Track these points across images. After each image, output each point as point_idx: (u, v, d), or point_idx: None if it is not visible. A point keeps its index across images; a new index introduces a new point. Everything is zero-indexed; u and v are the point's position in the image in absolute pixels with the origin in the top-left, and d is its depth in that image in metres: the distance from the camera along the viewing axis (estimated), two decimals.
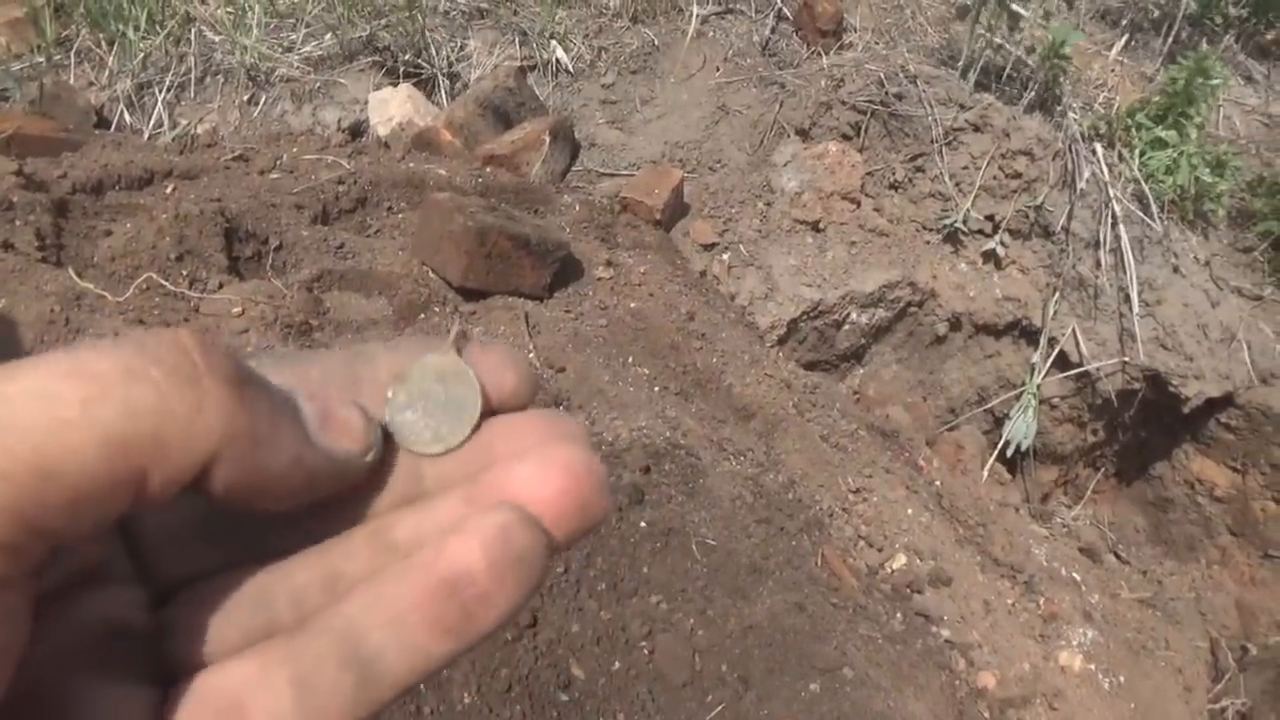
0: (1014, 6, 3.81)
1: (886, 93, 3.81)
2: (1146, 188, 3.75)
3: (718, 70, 4.02)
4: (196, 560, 0.33)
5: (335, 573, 0.32)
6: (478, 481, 0.33)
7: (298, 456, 0.31)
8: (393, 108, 3.54)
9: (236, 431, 0.29)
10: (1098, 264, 3.77)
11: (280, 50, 3.66)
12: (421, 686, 1.62)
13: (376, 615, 0.29)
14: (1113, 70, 4.43)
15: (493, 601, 0.30)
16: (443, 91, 3.78)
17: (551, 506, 0.32)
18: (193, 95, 3.53)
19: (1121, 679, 3.03)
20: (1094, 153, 3.80)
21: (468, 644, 0.30)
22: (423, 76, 3.79)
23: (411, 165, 3.19)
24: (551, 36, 3.98)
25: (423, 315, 2.62)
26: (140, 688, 0.30)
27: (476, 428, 0.35)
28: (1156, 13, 4.79)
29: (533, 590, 0.31)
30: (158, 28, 3.57)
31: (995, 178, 3.81)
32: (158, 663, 0.31)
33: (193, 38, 3.58)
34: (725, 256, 3.53)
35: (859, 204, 3.75)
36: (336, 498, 0.33)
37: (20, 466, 0.26)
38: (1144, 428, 4.02)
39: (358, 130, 3.56)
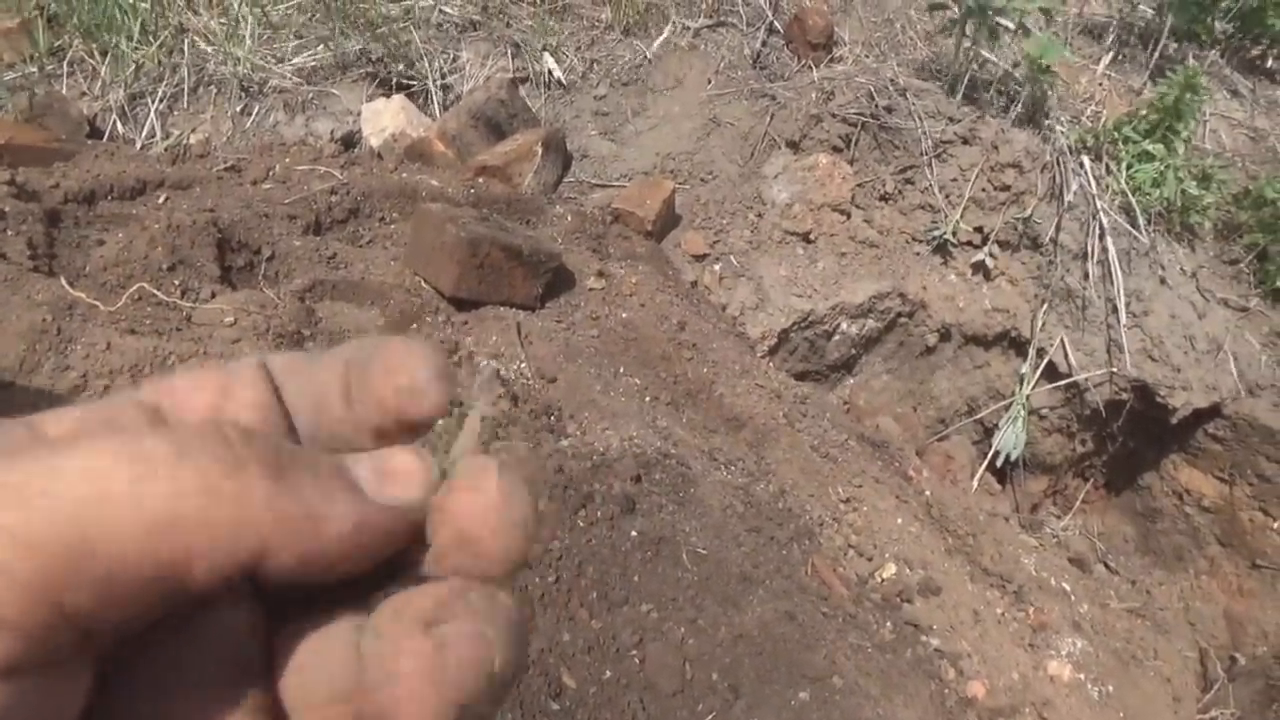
0: (999, 20, 3.84)
1: (876, 106, 3.84)
2: (1134, 200, 3.79)
3: (709, 83, 4.04)
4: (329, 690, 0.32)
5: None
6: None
7: (360, 521, 0.30)
8: (385, 119, 3.55)
9: (284, 517, 0.28)
10: (1085, 275, 3.80)
11: (273, 61, 3.67)
12: None
13: None
14: (1100, 84, 4.48)
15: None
16: (435, 103, 3.79)
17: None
18: (185, 106, 3.54)
19: (1111, 689, 3.04)
20: (1082, 165, 3.84)
21: None
22: (415, 88, 3.80)
23: (404, 176, 3.20)
24: (544, 48, 4.00)
25: (415, 325, 2.63)
26: (254, 712, 0.30)
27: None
28: (1144, 27, 4.84)
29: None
30: (151, 38, 3.58)
31: (984, 190, 3.84)
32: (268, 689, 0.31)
33: (185, 48, 3.59)
34: (716, 267, 3.55)
35: (849, 215, 3.78)
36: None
37: (56, 538, 0.25)
38: (1132, 438, 4.05)
39: (350, 141, 3.58)
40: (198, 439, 0.28)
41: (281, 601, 0.32)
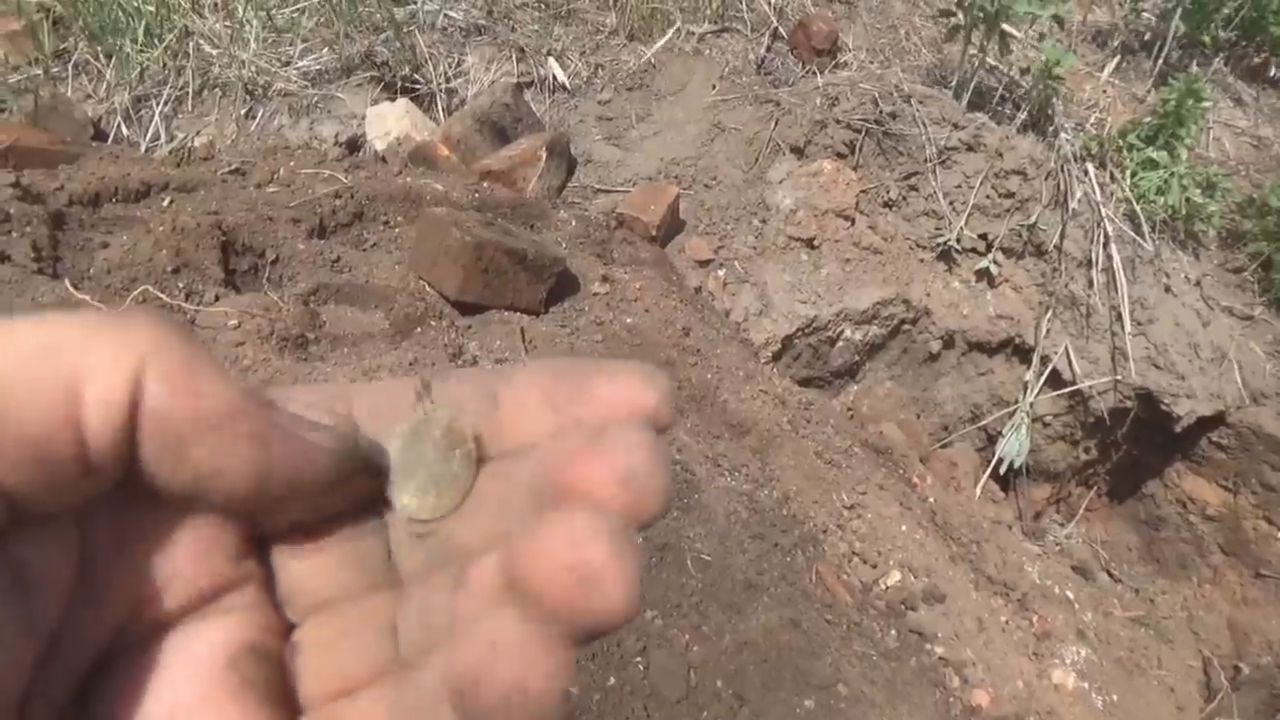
0: (1005, 27, 3.84)
1: (881, 112, 3.84)
2: (1138, 208, 3.79)
3: (713, 88, 4.04)
4: (329, 587, 0.32)
5: (434, 606, 0.31)
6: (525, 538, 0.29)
7: (235, 403, 0.29)
8: (390, 122, 3.55)
9: (164, 349, 0.27)
10: (1090, 283, 3.79)
11: (278, 64, 3.67)
12: None
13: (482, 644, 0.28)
14: (1104, 91, 4.48)
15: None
16: (440, 107, 3.79)
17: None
18: (190, 109, 3.54)
19: (1114, 698, 3.03)
20: (1086, 173, 3.83)
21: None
22: (420, 92, 3.80)
23: (408, 180, 3.20)
24: (549, 53, 4.00)
25: (419, 329, 2.62)
26: (275, 714, 0.30)
27: (470, 489, 0.33)
28: (1147, 35, 4.84)
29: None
30: (156, 41, 3.58)
31: (988, 197, 3.84)
32: (291, 689, 0.30)
33: (190, 51, 3.59)
34: (720, 273, 3.55)
35: (853, 222, 3.77)
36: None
37: None
38: (1136, 446, 4.04)
39: (355, 145, 3.57)
40: (90, 311, 0.28)
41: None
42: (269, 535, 0.32)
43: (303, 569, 0.32)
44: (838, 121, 3.84)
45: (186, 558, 0.30)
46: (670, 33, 4.15)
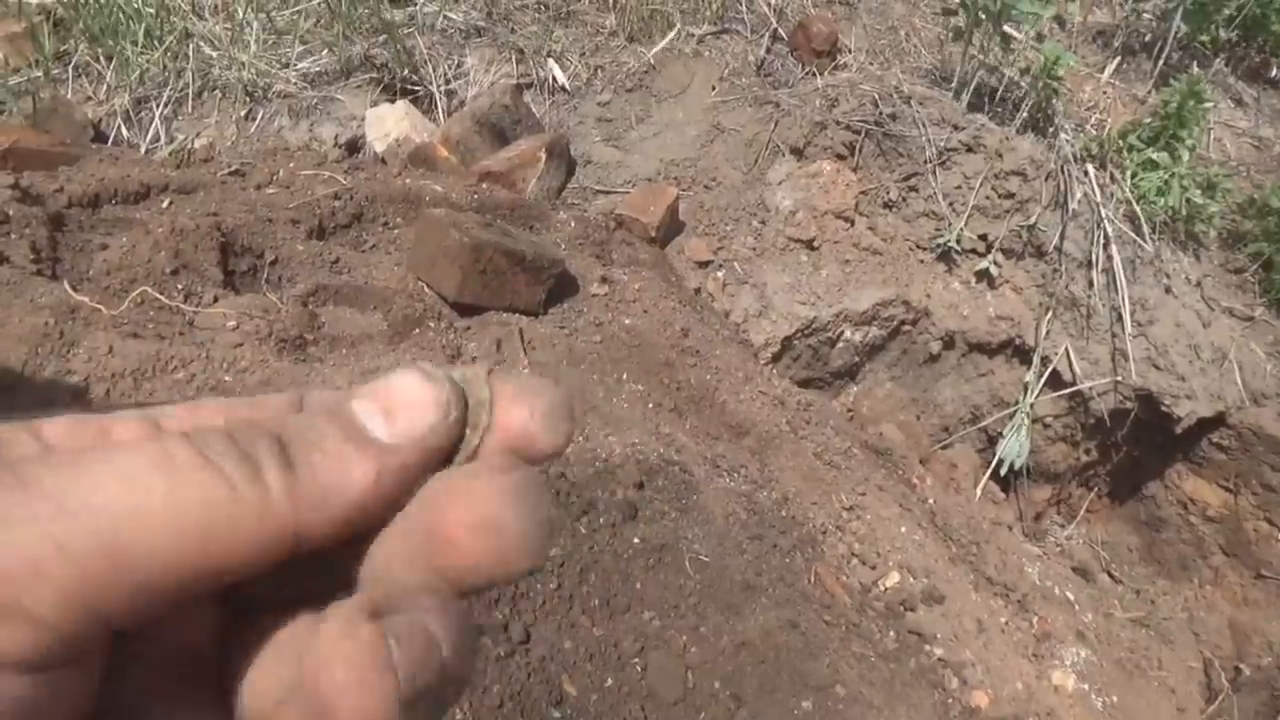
0: (1006, 28, 3.84)
1: (881, 113, 3.83)
2: (1138, 209, 3.78)
3: (713, 89, 4.04)
4: (270, 590, 0.33)
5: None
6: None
7: (380, 471, 0.31)
8: (389, 124, 3.56)
9: (307, 504, 0.30)
10: (1090, 284, 3.79)
11: (278, 66, 3.67)
12: None
13: None
14: (1104, 92, 4.47)
15: None
16: (439, 108, 3.80)
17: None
18: (190, 110, 3.54)
19: (1115, 699, 3.03)
20: (1086, 174, 3.83)
21: None
22: (419, 93, 3.81)
23: (408, 181, 3.20)
24: (548, 55, 4.00)
25: (417, 330, 2.62)
26: (210, 714, 0.31)
27: None
28: (1148, 36, 4.83)
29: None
30: (156, 43, 3.58)
31: (988, 198, 3.84)
32: (224, 693, 0.31)
33: (190, 53, 3.59)
34: (720, 274, 3.55)
35: (853, 223, 3.77)
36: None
37: (98, 551, 0.26)
38: (1136, 447, 4.03)
39: (354, 146, 3.58)
40: (216, 442, 0.29)
41: (247, 603, 0.33)
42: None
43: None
44: (837, 123, 3.84)
45: (181, 642, 0.32)
46: (671, 34, 4.15)
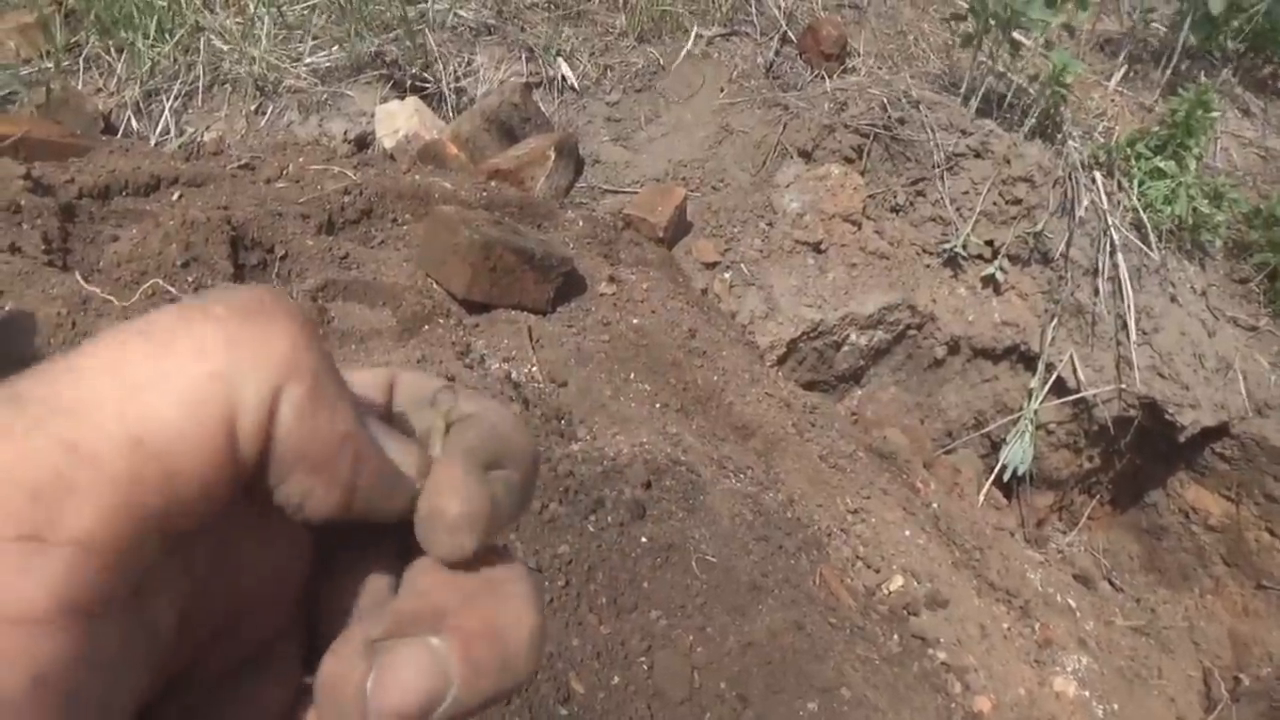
0: (1015, 35, 3.84)
1: (889, 117, 3.84)
2: (1145, 217, 3.79)
3: (722, 91, 4.05)
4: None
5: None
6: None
7: (348, 434, 0.29)
8: (399, 120, 3.56)
9: (300, 366, 0.28)
10: (1096, 291, 3.79)
11: (288, 61, 3.68)
12: None
13: None
14: (1112, 100, 4.48)
15: None
16: (449, 106, 3.80)
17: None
18: (200, 104, 3.55)
19: (1115, 706, 3.03)
20: (1093, 181, 3.83)
21: None
22: (429, 90, 3.81)
23: (417, 178, 3.20)
24: (558, 54, 4.01)
25: (426, 327, 2.62)
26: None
27: None
28: (1156, 44, 4.84)
29: None
30: (167, 36, 3.59)
31: (995, 203, 3.84)
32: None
33: (201, 47, 3.60)
34: (727, 275, 3.55)
35: (860, 226, 3.77)
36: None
37: (111, 441, 0.24)
38: (1139, 455, 4.04)
39: (364, 142, 3.58)
40: (219, 295, 0.28)
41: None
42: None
43: (340, 606, 0.34)
44: (846, 126, 3.84)
45: (262, 591, 0.32)
46: (690, 39, 4.15)
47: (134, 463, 0.24)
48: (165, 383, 0.25)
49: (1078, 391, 3.83)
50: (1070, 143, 3.90)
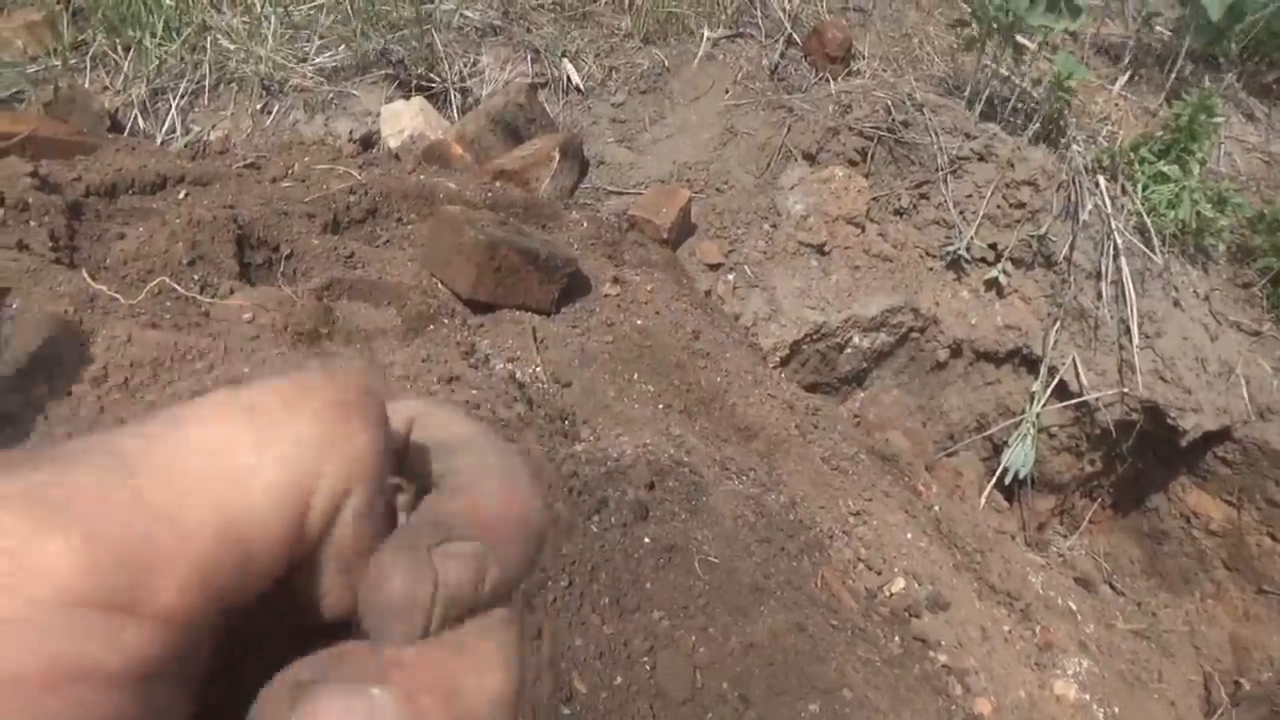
0: (1019, 39, 3.85)
1: (893, 120, 3.85)
2: (1148, 221, 3.79)
3: (727, 93, 4.06)
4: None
5: None
6: None
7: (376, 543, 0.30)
8: (404, 120, 3.57)
9: (370, 473, 0.29)
10: (1099, 295, 3.80)
11: (294, 60, 3.69)
12: None
13: None
14: (1116, 104, 4.48)
15: None
16: (454, 106, 3.81)
17: None
18: (206, 102, 3.56)
19: (1115, 710, 3.03)
20: (1097, 185, 3.84)
21: None
22: (435, 90, 3.82)
23: (422, 178, 3.21)
24: (563, 55, 4.01)
25: (431, 326, 2.63)
26: None
27: None
28: (1160, 49, 4.85)
29: None
30: (174, 35, 3.60)
31: (999, 207, 3.85)
32: None
33: (208, 46, 3.61)
34: (730, 277, 3.56)
35: (864, 229, 3.78)
36: None
37: (205, 523, 0.25)
38: (1141, 459, 4.04)
39: (369, 142, 3.59)
40: (312, 384, 0.28)
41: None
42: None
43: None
44: (850, 129, 3.85)
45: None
46: (696, 42, 4.16)
47: (221, 545, 0.25)
48: (263, 472, 0.26)
49: (1080, 395, 3.84)
50: (1074, 147, 3.90)
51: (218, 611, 0.26)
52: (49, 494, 0.24)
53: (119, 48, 3.58)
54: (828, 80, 4.16)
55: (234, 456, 0.26)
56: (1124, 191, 3.89)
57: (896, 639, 2.52)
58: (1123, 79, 4.62)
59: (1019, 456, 3.88)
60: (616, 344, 2.86)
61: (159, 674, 0.25)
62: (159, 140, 3.37)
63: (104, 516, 0.24)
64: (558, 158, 3.50)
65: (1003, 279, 3.86)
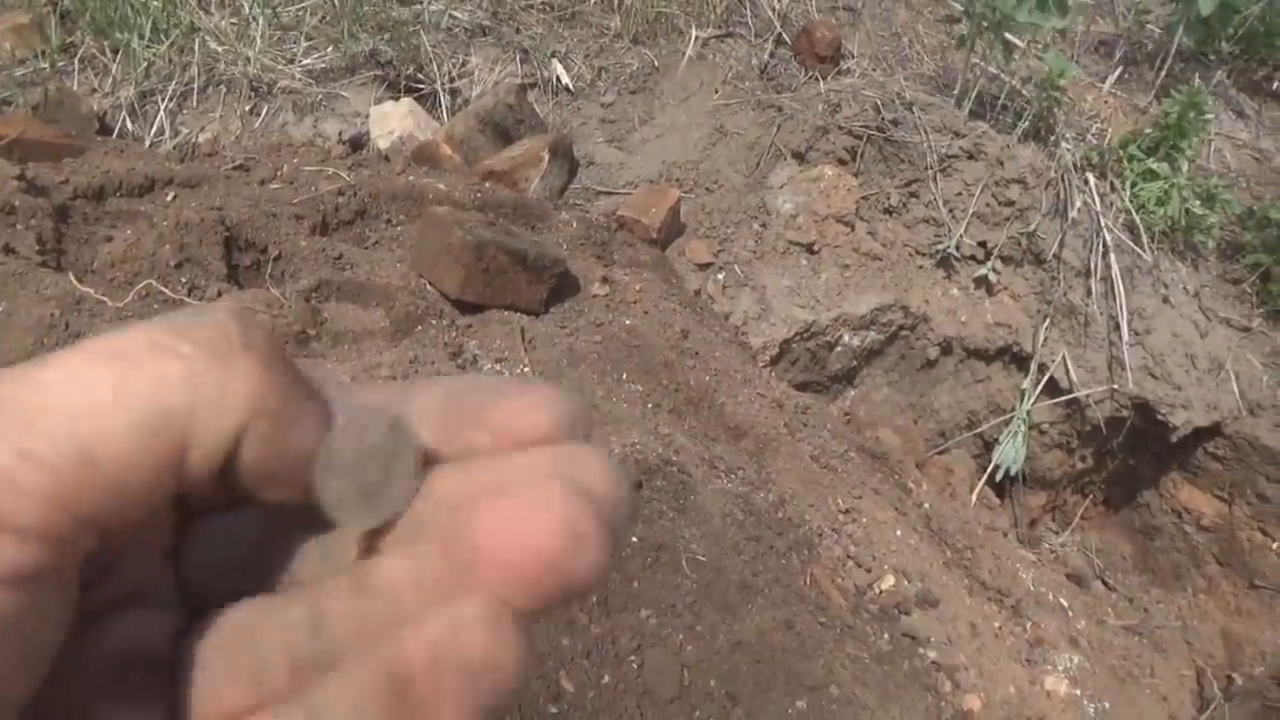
0: (1009, 37, 3.86)
1: (882, 119, 3.85)
2: (1137, 218, 3.80)
3: (716, 92, 4.06)
4: (233, 589, 0.32)
5: (320, 613, 0.30)
6: (456, 525, 0.29)
7: (310, 457, 0.31)
8: (393, 121, 3.57)
9: (264, 408, 0.29)
10: (1088, 292, 3.81)
11: (283, 62, 3.68)
12: None
13: (339, 704, 0.28)
14: (1106, 102, 4.49)
15: (435, 705, 0.27)
16: (443, 107, 3.81)
17: (516, 571, 0.27)
18: (195, 104, 3.56)
19: (1106, 705, 3.04)
20: (1086, 182, 3.85)
21: None
22: (424, 91, 3.82)
23: (411, 179, 3.21)
24: (552, 55, 4.02)
25: (419, 327, 2.63)
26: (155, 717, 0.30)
27: (417, 490, 0.31)
28: (1150, 46, 4.86)
29: (491, 705, 0.28)
30: (162, 37, 3.59)
31: (988, 205, 3.85)
32: (170, 697, 0.30)
33: (196, 47, 3.60)
34: (720, 276, 3.56)
35: (853, 227, 3.79)
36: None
37: (60, 452, 0.27)
38: (1132, 456, 4.05)
39: (358, 143, 3.59)
40: (186, 327, 0.29)
41: (201, 597, 0.32)
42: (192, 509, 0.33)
43: (210, 560, 0.33)
44: (840, 127, 3.85)
45: (127, 553, 0.32)
46: (685, 42, 4.17)
47: (80, 475, 0.27)
48: (123, 411, 0.28)
49: (1070, 392, 3.85)
50: (1063, 144, 3.91)
51: (96, 533, 0.28)
52: None
53: (107, 50, 3.57)
54: (817, 79, 4.17)
55: (94, 395, 0.27)
56: (1113, 189, 3.90)
57: (885, 636, 2.52)
58: (1113, 76, 4.63)
59: (1009, 453, 3.89)
60: (605, 344, 2.87)
61: (34, 578, 0.27)
62: (147, 142, 3.37)
63: None
64: (547, 158, 3.51)
65: (992, 277, 3.87)
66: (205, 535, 0.33)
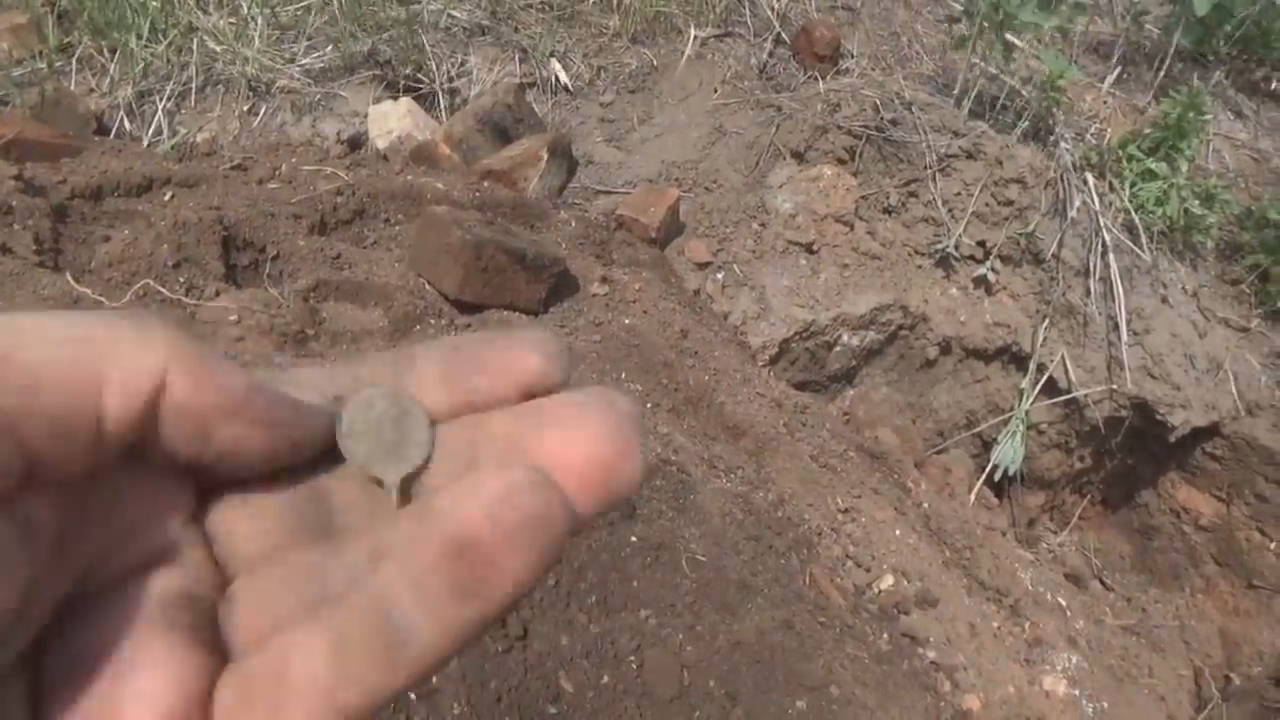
0: (1009, 37, 3.86)
1: (882, 118, 3.85)
2: (1136, 218, 3.80)
3: (715, 92, 4.06)
4: (269, 541, 0.34)
5: (381, 544, 0.32)
6: (514, 449, 0.33)
7: (250, 384, 0.32)
8: (392, 121, 3.56)
9: (183, 351, 0.30)
10: (1087, 292, 3.81)
11: (281, 62, 3.68)
12: (411, 696, 1.62)
13: (401, 580, 0.29)
14: (1105, 102, 4.49)
15: (500, 565, 0.29)
16: (442, 106, 3.81)
17: (574, 472, 0.31)
18: (193, 104, 3.55)
19: (1105, 705, 3.04)
20: (1085, 182, 3.85)
21: (490, 609, 0.29)
22: (422, 91, 3.82)
23: (409, 178, 3.21)
24: (551, 55, 4.01)
25: (418, 327, 2.63)
26: (201, 654, 0.30)
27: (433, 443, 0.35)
28: (1149, 47, 4.86)
29: (547, 555, 0.30)
30: (160, 36, 3.59)
31: (987, 204, 3.85)
32: (221, 638, 0.32)
33: (194, 47, 3.60)
34: (719, 276, 3.56)
35: (852, 227, 3.79)
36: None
37: None
38: (1130, 455, 4.05)
39: (357, 142, 3.58)
40: (108, 311, 0.32)
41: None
42: (218, 486, 0.34)
43: (243, 526, 0.34)
44: (839, 127, 3.85)
45: (144, 518, 0.32)
46: (685, 41, 4.16)
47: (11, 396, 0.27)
48: (41, 331, 0.29)
49: (1069, 392, 3.85)
50: (1062, 144, 3.91)
51: (17, 445, 0.28)
52: None
53: (104, 50, 3.57)
54: (816, 79, 4.16)
55: (14, 322, 0.29)
56: (1112, 189, 3.90)
57: (885, 636, 2.52)
58: (1112, 77, 4.63)
59: (1008, 453, 3.89)
60: (604, 343, 2.86)
61: None
62: (145, 142, 3.37)
63: None
64: (546, 158, 3.50)
65: (991, 276, 3.87)
66: (233, 505, 0.34)
